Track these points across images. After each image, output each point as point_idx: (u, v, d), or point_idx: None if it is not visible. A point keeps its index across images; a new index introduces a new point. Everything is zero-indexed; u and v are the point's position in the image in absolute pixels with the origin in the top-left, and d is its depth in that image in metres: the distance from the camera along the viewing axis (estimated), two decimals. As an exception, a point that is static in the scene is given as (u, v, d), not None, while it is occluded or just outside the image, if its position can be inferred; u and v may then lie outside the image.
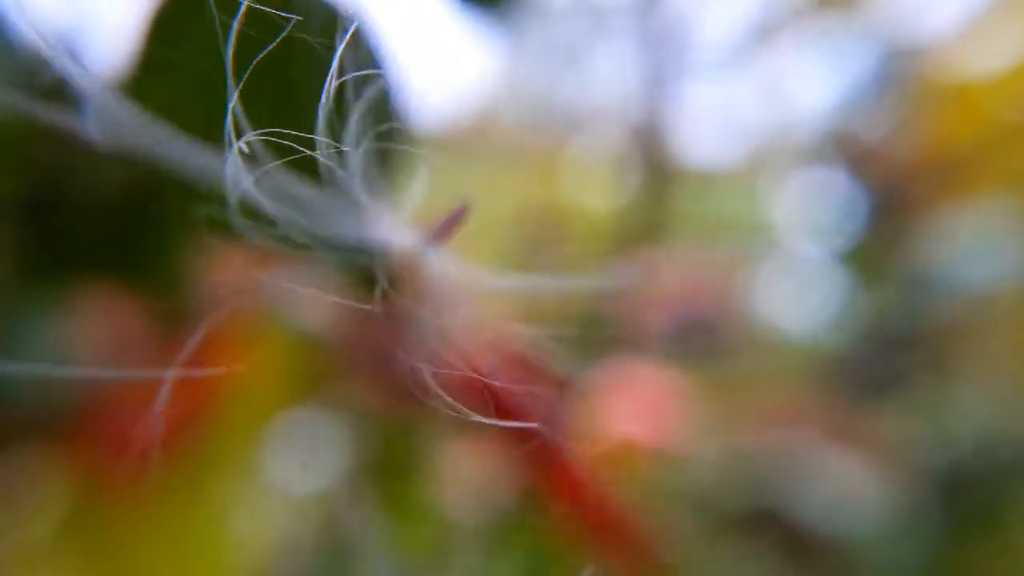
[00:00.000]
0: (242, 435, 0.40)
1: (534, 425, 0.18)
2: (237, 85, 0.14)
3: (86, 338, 0.32)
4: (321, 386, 0.43)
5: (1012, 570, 0.49)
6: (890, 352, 0.59)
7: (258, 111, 0.14)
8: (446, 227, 0.15)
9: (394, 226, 0.16)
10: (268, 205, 0.14)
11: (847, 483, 0.50)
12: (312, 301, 0.35)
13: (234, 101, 0.14)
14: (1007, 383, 0.56)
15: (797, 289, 0.67)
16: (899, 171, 0.64)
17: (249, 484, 0.41)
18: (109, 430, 0.33)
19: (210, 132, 0.14)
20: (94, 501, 0.35)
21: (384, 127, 0.15)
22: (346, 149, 0.15)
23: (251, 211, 0.14)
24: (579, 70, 0.67)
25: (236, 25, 0.13)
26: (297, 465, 0.46)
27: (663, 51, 0.62)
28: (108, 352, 0.32)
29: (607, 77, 0.67)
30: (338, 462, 0.47)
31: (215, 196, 0.14)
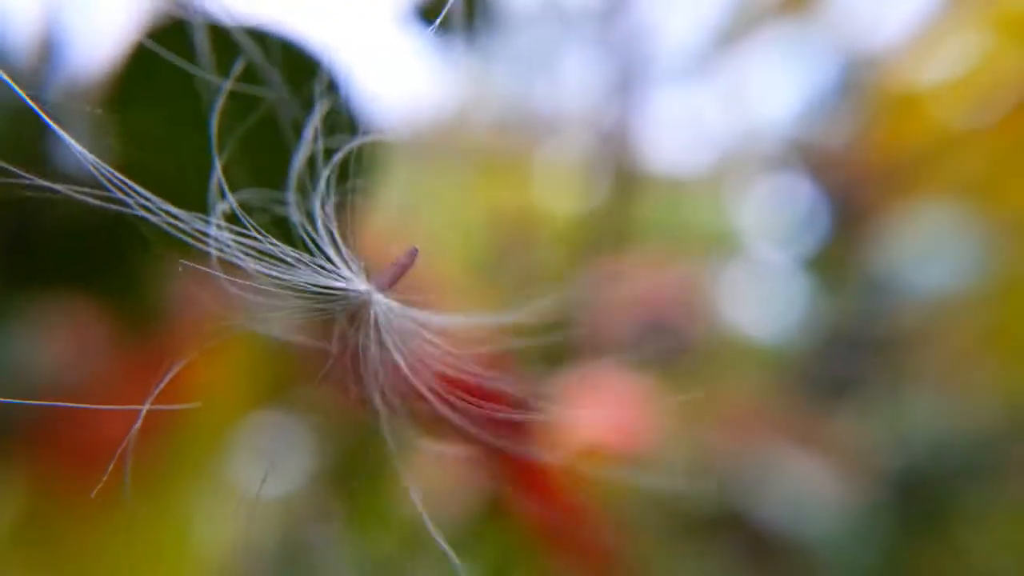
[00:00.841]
0: (206, 440, 0.40)
1: (501, 431, 0.19)
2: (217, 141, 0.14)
3: (52, 347, 0.32)
4: (286, 391, 0.43)
5: (961, 569, 0.51)
6: (848, 356, 0.60)
7: (234, 158, 0.14)
8: (398, 270, 0.16)
9: (353, 271, 0.16)
10: (241, 257, 0.14)
11: (807, 485, 0.51)
12: (277, 312, 0.35)
13: (216, 159, 0.14)
14: (959, 386, 0.58)
15: (760, 294, 0.68)
16: (856, 177, 0.66)
17: (213, 489, 0.41)
18: (70, 436, 0.33)
19: (183, 165, 0.14)
20: (55, 506, 0.35)
21: (353, 149, 0.16)
22: (315, 199, 0.15)
23: (225, 262, 0.14)
24: (547, 77, 0.68)
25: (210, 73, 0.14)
26: (261, 470, 0.45)
27: (629, 58, 0.63)
28: (73, 360, 0.32)
29: (575, 83, 0.68)
30: (302, 467, 0.47)
31: (183, 245, 0.14)
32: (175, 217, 0.14)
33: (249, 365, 0.39)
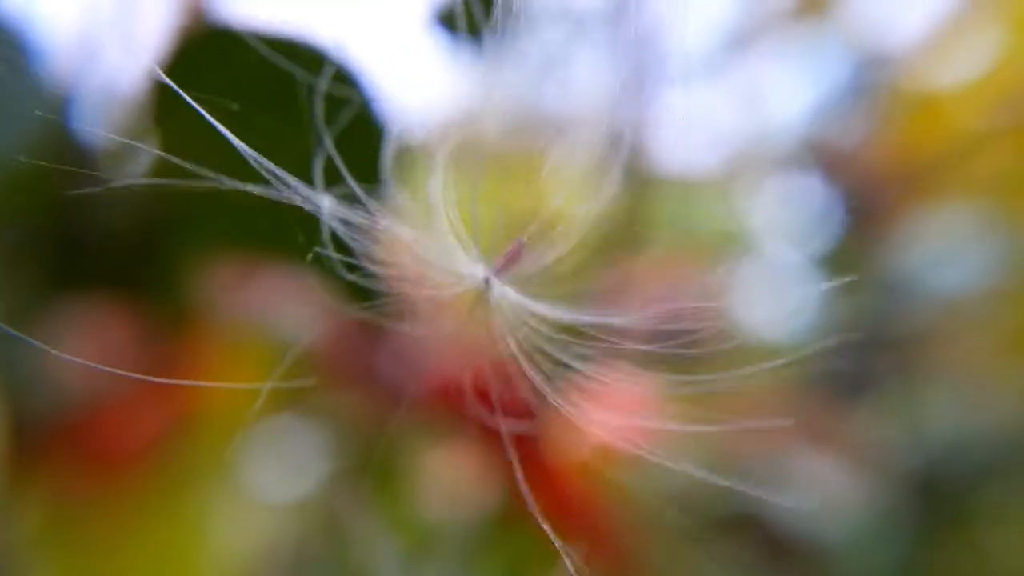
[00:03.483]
0: (223, 442, 0.40)
1: (517, 429, 0.19)
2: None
3: (87, 346, 0.32)
4: (302, 393, 0.43)
5: (981, 569, 0.50)
6: (865, 355, 0.60)
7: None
8: (511, 259, 0.16)
9: (472, 256, 0.16)
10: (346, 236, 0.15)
11: (823, 485, 0.51)
12: (298, 310, 0.35)
13: (319, 149, 0.14)
14: (977, 385, 0.57)
15: (773, 294, 0.68)
16: (872, 177, 0.65)
17: (229, 491, 0.41)
18: (94, 439, 0.33)
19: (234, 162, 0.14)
20: (79, 507, 0.35)
21: (381, 150, 0.16)
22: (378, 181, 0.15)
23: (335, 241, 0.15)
24: (559, 78, 0.68)
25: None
26: (278, 472, 0.46)
27: (642, 58, 0.63)
28: (104, 359, 0.33)
29: (587, 84, 0.68)
30: (319, 469, 0.47)
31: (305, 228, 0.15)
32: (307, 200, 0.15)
33: (268, 366, 0.39)
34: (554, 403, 0.17)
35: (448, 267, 0.17)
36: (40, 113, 0.26)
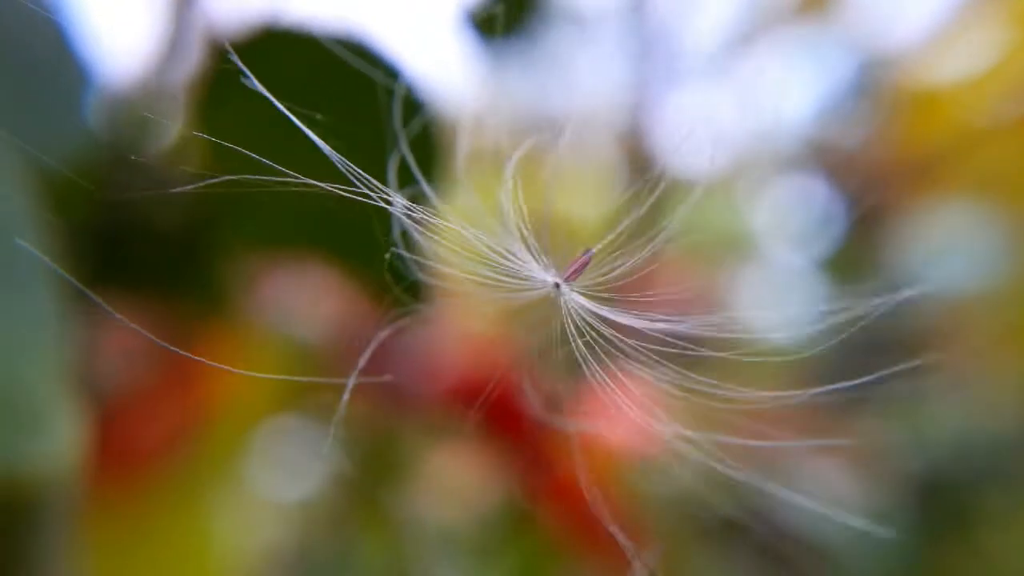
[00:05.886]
0: (231, 443, 0.40)
1: (525, 431, 0.19)
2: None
3: (119, 345, 0.33)
4: (310, 394, 0.43)
5: (984, 573, 0.50)
6: (868, 356, 0.60)
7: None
8: (580, 266, 0.17)
9: (542, 264, 0.17)
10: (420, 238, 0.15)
11: (826, 487, 0.51)
12: (308, 311, 0.35)
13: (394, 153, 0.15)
14: (981, 386, 0.57)
15: (777, 294, 0.68)
16: (874, 176, 0.65)
17: (238, 491, 0.41)
18: (107, 436, 0.33)
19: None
20: (87, 506, 0.35)
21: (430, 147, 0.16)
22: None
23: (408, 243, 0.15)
24: (566, 78, 0.68)
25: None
26: (285, 472, 0.46)
27: (647, 59, 0.63)
28: (134, 359, 0.33)
29: (594, 85, 0.68)
30: (326, 469, 0.47)
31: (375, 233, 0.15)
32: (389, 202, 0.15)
33: (276, 367, 0.39)
34: (614, 405, 0.17)
35: (519, 272, 0.17)
36: (91, 115, 0.26)
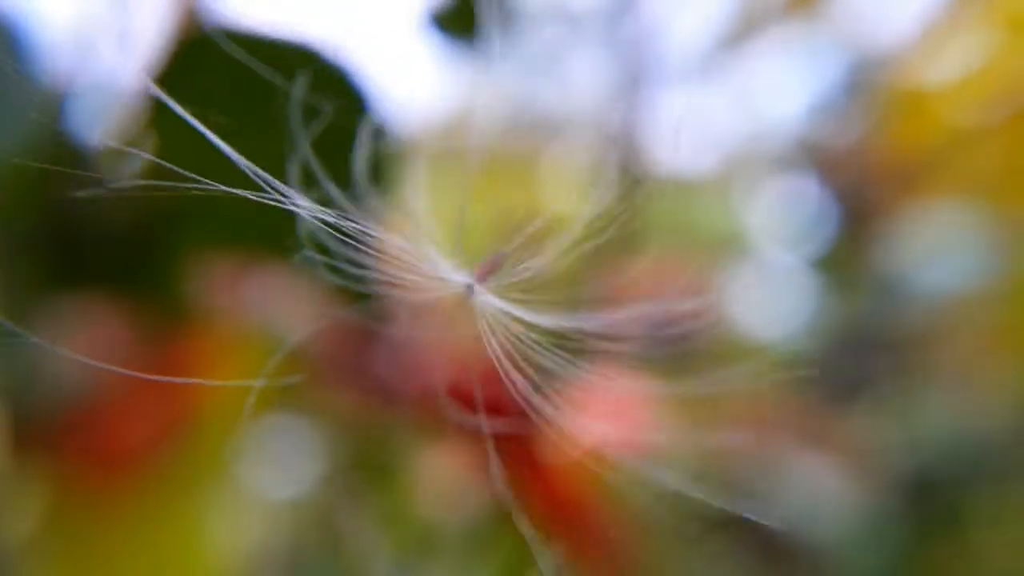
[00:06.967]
0: (219, 441, 0.40)
1: (500, 430, 0.19)
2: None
3: (82, 343, 0.32)
4: (297, 392, 0.43)
5: (975, 572, 0.50)
6: (859, 356, 0.60)
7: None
8: (492, 266, 0.16)
9: (452, 264, 0.17)
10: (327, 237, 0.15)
11: (818, 486, 0.51)
12: (292, 309, 0.35)
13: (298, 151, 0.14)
14: (972, 386, 0.57)
15: (769, 294, 0.68)
16: (865, 177, 0.65)
17: (226, 490, 0.41)
18: (92, 435, 0.33)
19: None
20: (77, 505, 0.35)
21: (377, 149, 0.16)
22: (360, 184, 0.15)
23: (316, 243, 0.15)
24: (554, 78, 0.68)
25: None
26: (273, 471, 0.46)
27: (637, 59, 0.63)
28: (100, 357, 0.33)
29: (582, 85, 0.68)
30: (315, 468, 0.47)
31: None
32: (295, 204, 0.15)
33: (262, 364, 0.39)
34: (538, 407, 0.17)
35: (430, 273, 0.17)
36: (35, 114, 0.26)
